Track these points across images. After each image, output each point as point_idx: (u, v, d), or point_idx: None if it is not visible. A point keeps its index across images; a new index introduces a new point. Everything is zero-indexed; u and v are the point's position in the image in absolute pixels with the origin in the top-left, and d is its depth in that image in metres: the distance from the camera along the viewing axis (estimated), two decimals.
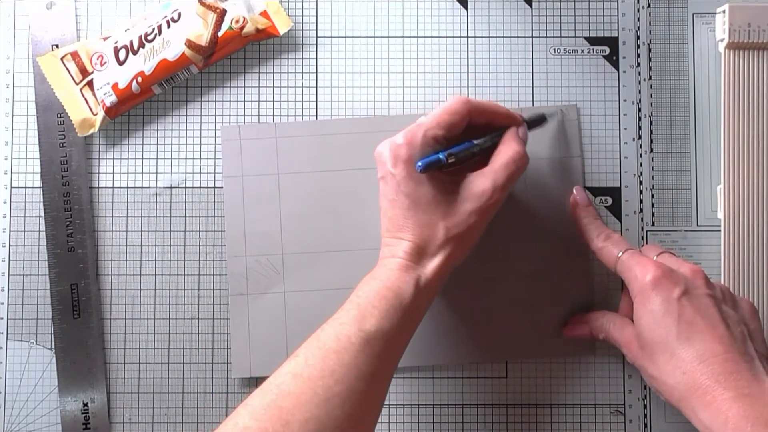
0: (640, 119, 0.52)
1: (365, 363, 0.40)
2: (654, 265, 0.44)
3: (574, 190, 0.51)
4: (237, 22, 0.50)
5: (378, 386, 0.41)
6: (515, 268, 0.51)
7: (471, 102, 0.45)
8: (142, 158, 0.52)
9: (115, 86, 0.50)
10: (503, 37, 0.53)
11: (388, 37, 0.53)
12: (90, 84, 0.51)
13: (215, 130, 0.52)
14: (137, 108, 0.52)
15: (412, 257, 0.43)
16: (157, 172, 0.52)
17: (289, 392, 0.38)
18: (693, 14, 0.53)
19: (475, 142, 0.45)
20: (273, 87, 0.52)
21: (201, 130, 0.52)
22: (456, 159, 0.43)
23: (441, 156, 0.43)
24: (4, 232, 0.52)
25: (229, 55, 0.52)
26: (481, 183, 0.43)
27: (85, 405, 0.51)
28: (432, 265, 0.43)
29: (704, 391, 0.40)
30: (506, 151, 0.45)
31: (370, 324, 0.41)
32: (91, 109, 0.51)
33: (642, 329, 0.43)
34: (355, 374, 0.39)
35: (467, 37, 0.53)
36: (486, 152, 0.45)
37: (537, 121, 0.49)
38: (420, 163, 0.43)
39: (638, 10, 0.53)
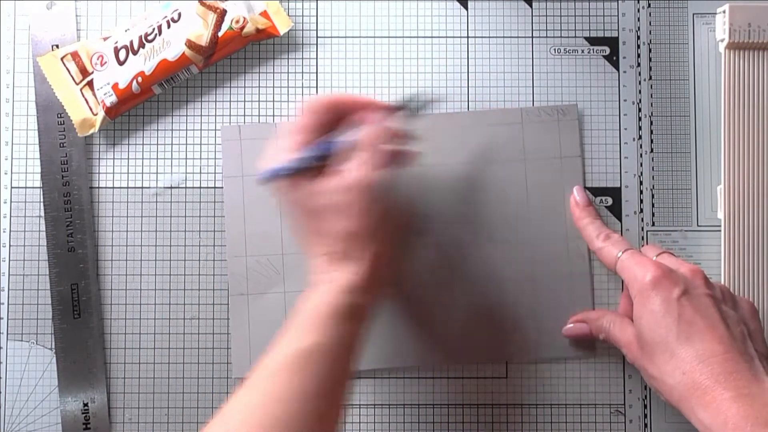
0: (640, 119, 0.52)
1: (307, 379, 0.39)
2: (653, 265, 0.44)
3: (574, 190, 0.51)
4: (237, 22, 0.50)
5: (328, 402, 0.40)
6: (515, 269, 0.51)
7: (332, 100, 0.44)
8: (142, 158, 0.52)
9: (115, 86, 0.50)
10: (503, 37, 0.53)
11: (388, 37, 0.53)
12: (90, 84, 0.51)
13: (215, 130, 0.52)
14: (137, 108, 0.52)
15: (330, 269, 0.43)
16: (157, 172, 0.52)
17: (240, 420, 0.37)
18: (693, 14, 0.53)
19: (334, 139, 0.44)
20: (273, 87, 0.52)
21: (201, 130, 0.52)
22: (305, 163, 0.43)
23: (286, 164, 0.42)
24: (4, 232, 0.52)
25: (229, 55, 0.52)
26: (375, 174, 0.42)
27: (86, 405, 0.51)
28: (359, 269, 0.43)
29: (704, 391, 0.40)
30: (363, 137, 0.43)
31: (307, 342, 0.40)
32: (91, 109, 0.51)
33: (642, 329, 0.43)
34: (298, 395, 0.39)
35: (467, 37, 0.53)
36: None
37: (400, 108, 0.46)
38: (260, 176, 0.42)
39: (638, 10, 0.53)
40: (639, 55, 0.53)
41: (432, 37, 0.53)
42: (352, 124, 0.45)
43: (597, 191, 0.52)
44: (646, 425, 0.51)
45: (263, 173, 0.43)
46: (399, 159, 0.47)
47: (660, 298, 0.42)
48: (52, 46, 0.52)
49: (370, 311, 0.44)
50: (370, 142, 0.43)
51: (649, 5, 0.53)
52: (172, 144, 0.52)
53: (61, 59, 0.51)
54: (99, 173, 0.52)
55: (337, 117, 0.45)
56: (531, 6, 0.53)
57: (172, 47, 0.50)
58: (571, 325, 0.50)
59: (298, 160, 0.43)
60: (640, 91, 0.52)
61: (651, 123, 0.52)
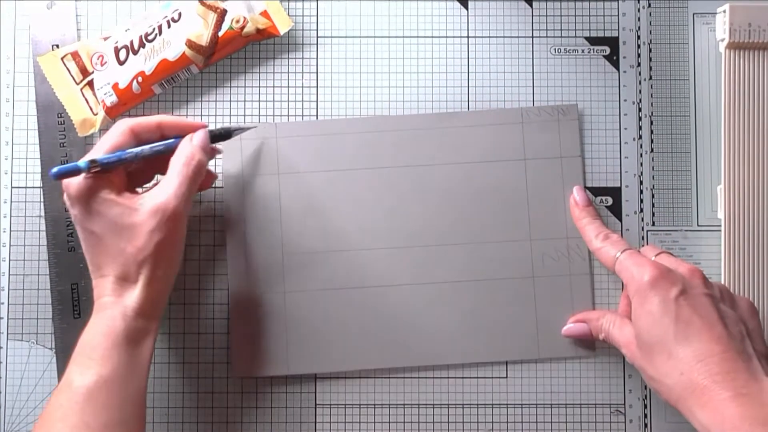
0: (640, 119, 0.52)
1: (93, 416, 0.39)
2: (651, 265, 0.44)
3: (574, 190, 0.51)
4: (237, 22, 0.50)
5: (125, 430, 0.40)
6: (515, 268, 0.51)
7: (131, 122, 0.45)
8: None
9: (115, 86, 0.50)
10: (503, 37, 0.53)
11: (388, 37, 0.53)
12: (90, 84, 0.51)
13: None
14: (137, 108, 0.52)
15: (116, 292, 0.42)
16: None
17: None
18: (693, 14, 0.53)
19: (130, 150, 0.44)
20: (273, 87, 0.52)
21: None
22: (102, 166, 0.43)
23: (81, 164, 0.42)
24: (4, 232, 0.52)
25: (230, 55, 0.52)
26: (155, 197, 0.43)
27: None
28: (136, 293, 0.42)
29: (702, 391, 0.40)
30: (175, 159, 0.44)
31: (89, 376, 0.40)
32: (91, 109, 0.51)
33: (640, 329, 0.43)
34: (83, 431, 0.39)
35: (467, 37, 0.53)
36: (160, 161, 0.45)
37: (223, 135, 0.48)
38: (54, 170, 0.42)
39: (638, 10, 0.53)
40: (639, 55, 0.53)
41: (432, 37, 0.53)
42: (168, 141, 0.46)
43: (597, 191, 0.52)
44: (646, 425, 0.51)
45: (61, 168, 0.42)
46: (207, 182, 0.49)
47: (658, 298, 0.42)
48: (53, 46, 0.52)
49: (155, 335, 0.44)
50: (180, 165, 0.44)
51: (649, 5, 0.53)
52: None
53: (62, 59, 0.51)
54: None
55: (159, 139, 0.46)
56: (531, 6, 0.53)
57: (172, 47, 0.50)
58: (571, 325, 0.50)
59: (102, 163, 0.43)
60: (640, 91, 0.52)
61: (651, 123, 0.52)
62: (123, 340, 0.41)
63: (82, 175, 0.43)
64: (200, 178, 0.45)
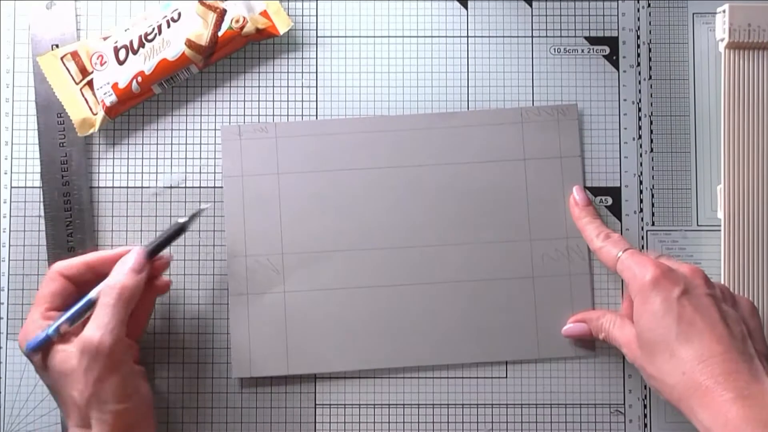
0: (640, 119, 0.52)
1: None
2: (653, 264, 0.44)
3: (574, 190, 0.51)
4: (237, 21, 0.50)
5: None
6: (515, 268, 0.51)
7: (58, 266, 0.45)
8: (142, 158, 0.52)
9: (115, 86, 0.50)
10: (503, 37, 0.53)
11: (388, 37, 0.53)
12: (90, 84, 0.51)
13: (215, 130, 0.52)
14: (137, 108, 0.52)
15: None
16: (157, 172, 0.52)
17: None
18: (693, 14, 0.53)
19: (88, 296, 0.44)
20: (273, 87, 0.52)
21: (201, 130, 0.52)
22: (70, 323, 0.43)
23: (49, 332, 0.43)
24: (4, 232, 0.52)
25: (229, 55, 0.52)
26: (82, 335, 0.42)
27: None
28: (96, 429, 0.42)
29: (704, 391, 0.40)
30: (101, 289, 0.44)
31: None
32: (91, 109, 0.51)
33: (642, 329, 0.43)
34: None
35: (467, 37, 0.53)
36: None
37: (163, 244, 0.47)
38: (27, 347, 0.43)
39: (638, 10, 0.53)
40: (639, 55, 0.53)
41: (432, 37, 0.53)
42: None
43: (597, 191, 0.52)
44: (645, 425, 0.51)
45: (34, 343, 0.43)
46: (162, 289, 0.48)
47: (660, 298, 0.42)
48: (52, 46, 0.52)
49: None
50: (104, 297, 0.43)
51: (649, 5, 0.53)
52: (172, 144, 0.52)
53: (61, 59, 0.51)
54: (99, 173, 0.52)
55: (97, 276, 0.45)
56: (531, 6, 0.53)
57: (171, 47, 0.50)
58: (571, 325, 0.50)
59: (70, 320, 0.43)
60: (640, 91, 0.52)
61: (651, 123, 0.52)
62: None
63: (28, 330, 0.43)
64: (131, 302, 0.43)
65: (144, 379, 0.45)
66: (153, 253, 0.46)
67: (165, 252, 0.47)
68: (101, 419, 0.41)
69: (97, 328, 0.42)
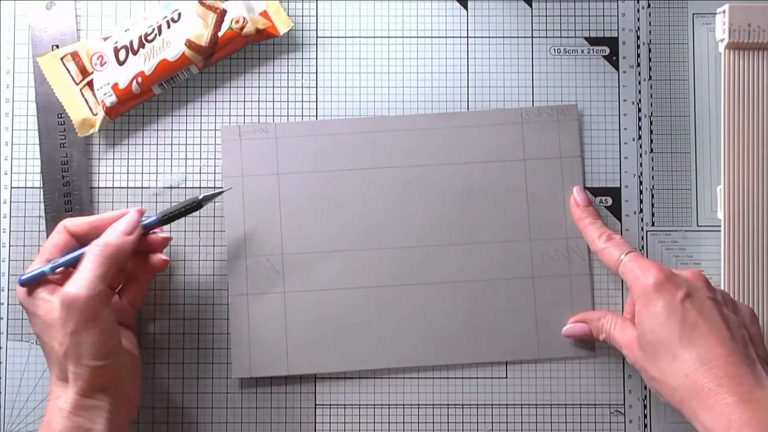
0: (640, 119, 0.52)
1: None
2: (656, 267, 0.44)
3: (574, 191, 0.51)
4: (237, 22, 0.50)
5: None
6: (515, 268, 0.51)
7: (65, 221, 0.46)
8: (142, 158, 0.52)
9: (115, 86, 0.50)
10: (503, 37, 0.53)
11: (388, 37, 0.53)
12: (90, 84, 0.51)
13: (215, 130, 0.52)
14: (137, 108, 0.52)
15: (55, 393, 0.43)
16: (157, 172, 0.52)
17: None
18: (693, 14, 0.53)
19: (85, 248, 0.44)
20: (273, 87, 0.52)
21: (201, 130, 0.52)
22: (66, 267, 0.45)
23: (45, 269, 0.44)
24: (4, 232, 0.52)
25: (229, 55, 0.52)
26: (64, 288, 0.42)
27: None
28: (68, 392, 0.42)
29: (706, 394, 0.40)
30: (90, 245, 0.44)
31: None
32: (91, 109, 0.51)
33: (644, 331, 0.43)
34: None
35: (467, 37, 0.53)
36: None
37: (175, 215, 0.47)
38: (21, 278, 0.44)
39: (638, 10, 0.53)
40: (639, 55, 0.53)
41: (432, 37, 0.53)
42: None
43: (597, 191, 0.52)
44: (645, 425, 0.51)
45: (27, 276, 0.44)
46: (157, 266, 0.48)
47: (663, 301, 0.42)
48: (52, 46, 0.52)
49: (106, 424, 0.42)
50: (90, 252, 0.43)
51: (649, 5, 0.53)
52: (172, 144, 0.52)
53: (61, 59, 0.51)
54: (99, 173, 0.52)
55: (87, 238, 0.46)
56: (531, 6, 0.53)
57: (171, 47, 0.50)
58: (571, 325, 0.50)
59: (65, 264, 0.45)
60: (639, 91, 0.52)
61: (651, 123, 0.52)
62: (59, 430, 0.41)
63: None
64: (115, 260, 0.43)
65: (132, 343, 0.46)
66: (163, 222, 0.47)
67: (165, 231, 0.48)
68: (77, 373, 0.42)
69: (75, 280, 0.42)
